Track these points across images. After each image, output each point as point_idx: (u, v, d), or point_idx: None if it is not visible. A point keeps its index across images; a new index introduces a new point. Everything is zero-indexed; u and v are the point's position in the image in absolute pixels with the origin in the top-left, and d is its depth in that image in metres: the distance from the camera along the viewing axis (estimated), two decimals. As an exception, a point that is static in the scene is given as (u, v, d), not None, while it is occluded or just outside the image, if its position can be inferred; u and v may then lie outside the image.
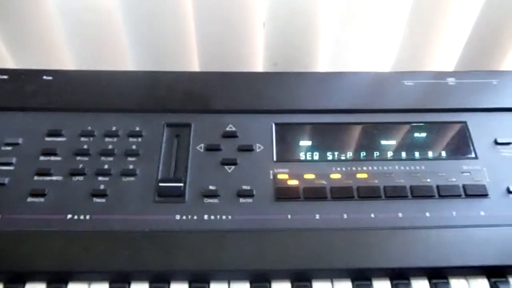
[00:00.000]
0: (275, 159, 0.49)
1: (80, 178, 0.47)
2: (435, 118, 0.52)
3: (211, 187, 0.47)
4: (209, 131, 0.51)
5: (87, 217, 0.45)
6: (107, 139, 0.49)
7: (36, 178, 0.47)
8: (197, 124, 0.51)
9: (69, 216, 0.45)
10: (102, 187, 0.46)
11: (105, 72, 0.56)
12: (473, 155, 0.50)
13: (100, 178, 0.47)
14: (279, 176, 0.48)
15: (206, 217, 0.45)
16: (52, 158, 0.48)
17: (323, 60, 0.68)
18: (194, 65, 0.68)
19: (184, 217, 0.45)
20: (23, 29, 0.64)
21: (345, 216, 0.46)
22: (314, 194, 0.47)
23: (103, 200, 0.46)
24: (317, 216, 0.46)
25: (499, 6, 0.63)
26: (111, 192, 0.46)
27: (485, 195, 0.47)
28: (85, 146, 0.49)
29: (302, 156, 0.50)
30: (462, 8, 0.63)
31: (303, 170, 0.49)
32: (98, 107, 0.52)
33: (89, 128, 0.50)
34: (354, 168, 0.49)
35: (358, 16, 0.62)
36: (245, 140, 0.50)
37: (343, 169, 0.49)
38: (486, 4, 0.62)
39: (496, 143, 0.51)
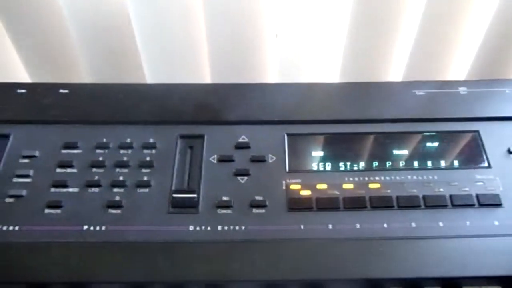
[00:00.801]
0: (287, 169, 0.49)
1: (96, 189, 0.48)
2: (447, 127, 0.52)
3: (224, 198, 0.47)
4: (222, 143, 0.51)
5: (103, 228, 0.45)
6: (121, 151, 0.50)
7: (52, 190, 0.47)
8: (210, 136, 0.51)
9: (85, 227, 0.45)
10: (117, 198, 0.47)
11: (119, 85, 0.57)
12: (486, 164, 0.50)
13: (115, 190, 0.48)
14: (292, 187, 0.48)
15: (219, 227, 0.46)
16: (68, 170, 0.49)
17: (335, 71, 0.68)
18: (207, 77, 0.69)
19: (197, 228, 0.46)
20: (41, 45, 0.66)
21: (357, 226, 0.46)
22: (326, 204, 0.47)
23: (119, 211, 0.46)
24: (330, 226, 0.46)
25: (511, 15, 0.63)
26: (126, 203, 0.47)
27: (499, 205, 0.47)
28: (101, 158, 0.50)
29: (314, 166, 0.50)
30: (473, 17, 0.63)
31: (316, 180, 0.49)
32: (112, 120, 0.52)
33: (104, 140, 0.51)
34: (366, 178, 0.49)
35: (369, 26, 0.63)
36: (257, 151, 0.50)
37: (356, 179, 0.49)
38: (497, 12, 0.62)
39: (509, 152, 0.50)
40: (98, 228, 0.45)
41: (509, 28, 0.64)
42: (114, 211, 0.46)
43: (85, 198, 0.47)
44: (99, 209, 0.46)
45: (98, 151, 0.50)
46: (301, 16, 0.62)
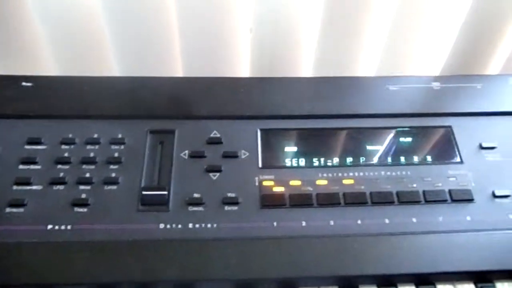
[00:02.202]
0: (260, 165, 0.49)
1: (61, 187, 0.46)
2: (420, 122, 0.52)
3: (195, 195, 0.46)
4: (193, 138, 0.50)
5: (68, 227, 0.44)
6: (88, 147, 0.48)
7: (15, 187, 0.45)
8: (181, 131, 0.50)
9: (50, 226, 0.44)
10: (83, 196, 0.45)
11: (86, 78, 0.55)
12: (458, 159, 0.50)
13: (81, 187, 0.46)
14: (265, 183, 0.47)
15: (190, 225, 0.45)
16: (32, 166, 0.47)
17: (308, 65, 0.68)
18: (178, 71, 0.68)
19: (168, 226, 0.44)
20: (3, 35, 0.63)
21: (331, 222, 0.46)
22: (300, 201, 0.47)
23: (85, 209, 0.45)
24: (304, 223, 0.45)
25: (484, 12, 0.63)
26: (93, 201, 0.45)
27: (470, 200, 0.47)
28: (66, 154, 0.48)
29: (287, 162, 0.49)
30: (448, 14, 0.63)
31: (289, 176, 0.48)
32: (79, 114, 0.51)
33: (70, 135, 0.49)
34: (340, 174, 0.48)
35: (341, 21, 0.62)
36: (230, 147, 0.49)
37: (329, 175, 0.48)
38: (471, 10, 0.63)
39: (481, 147, 0.51)
40: (63, 227, 0.44)
41: (482, 25, 0.64)
42: (80, 210, 0.45)
43: (49, 196, 0.45)
44: (64, 208, 0.45)
45: (63, 147, 0.48)
46: (274, 11, 0.61)
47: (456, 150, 0.51)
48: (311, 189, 0.47)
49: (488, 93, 0.55)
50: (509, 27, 0.65)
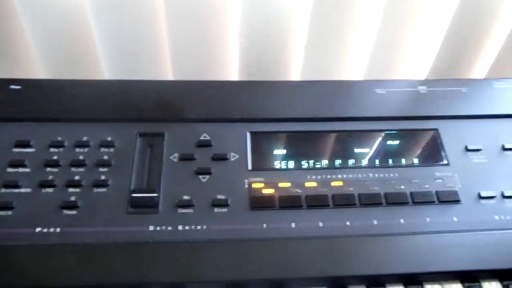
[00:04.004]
0: (250, 168, 0.49)
1: (50, 190, 0.46)
2: (407, 125, 0.53)
3: (185, 197, 0.46)
4: (183, 141, 0.50)
5: (57, 230, 0.43)
6: (77, 150, 0.48)
7: (3, 190, 0.45)
8: (170, 134, 0.50)
9: (38, 229, 0.43)
10: (72, 198, 0.45)
11: (75, 81, 0.54)
12: (445, 161, 0.51)
13: (70, 190, 0.46)
14: (254, 185, 0.48)
15: (180, 227, 0.45)
16: (20, 169, 0.46)
17: (296, 69, 0.68)
18: (168, 74, 0.68)
19: (158, 228, 0.44)
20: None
21: (320, 224, 0.46)
22: (289, 202, 0.47)
23: (74, 212, 0.45)
24: (293, 225, 0.46)
25: (469, 17, 0.64)
26: (82, 204, 0.45)
27: (457, 201, 0.48)
28: (55, 157, 0.47)
29: (277, 164, 0.50)
30: (433, 18, 0.65)
31: (278, 178, 0.48)
32: (68, 117, 0.50)
33: (59, 138, 0.49)
34: (329, 176, 0.49)
35: (329, 25, 0.63)
36: (219, 149, 0.50)
37: (318, 177, 0.49)
38: (456, 15, 0.64)
39: (467, 149, 0.51)
40: (52, 230, 0.43)
41: (467, 30, 0.66)
42: (69, 212, 0.44)
43: (38, 199, 0.45)
44: (53, 210, 0.44)
45: (52, 149, 0.48)
46: (263, 15, 0.62)
47: (442, 152, 0.51)
48: (300, 191, 0.48)
49: (474, 97, 0.56)
50: (492, 32, 0.66)
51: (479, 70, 0.71)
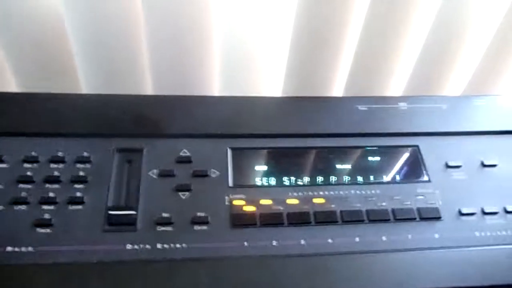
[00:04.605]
0: (230, 184, 0.48)
1: (23, 207, 0.44)
2: (388, 142, 0.53)
3: (164, 215, 0.45)
4: (162, 156, 0.49)
5: (30, 249, 0.42)
6: (52, 165, 0.47)
7: (-27, 208, 0.43)
8: (149, 149, 0.49)
9: (9, 248, 0.41)
10: (46, 216, 0.44)
11: (51, 95, 0.53)
12: (426, 178, 0.51)
13: (44, 207, 0.44)
14: (235, 202, 0.47)
15: (159, 245, 0.43)
16: (-8, 186, 0.45)
17: (278, 85, 0.68)
18: (148, 89, 0.67)
19: (135, 246, 0.43)
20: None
21: (302, 242, 0.45)
22: (271, 220, 0.46)
23: (48, 230, 0.43)
24: (274, 243, 0.45)
25: (444, 35, 0.65)
26: (57, 222, 0.43)
27: (438, 218, 0.48)
28: (29, 173, 0.46)
29: (258, 181, 0.49)
30: (410, 36, 0.65)
31: (260, 195, 0.48)
32: (43, 132, 0.49)
33: (33, 153, 0.47)
34: (310, 193, 0.48)
35: (310, 41, 0.63)
36: (199, 166, 0.49)
37: (300, 194, 0.48)
38: (432, 32, 0.65)
39: (447, 166, 0.52)
40: (24, 249, 0.42)
41: (443, 48, 0.67)
42: (43, 230, 0.43)
43: (10, 217, 0.43)
44: (26, 229, 0.43)
45: (26, 165, 0.46)
46: (244, 30, 0.61)
47: (423, 169, 0.51)
48: (281, 208, 0.47)
49: (453, 114, 0.56)
50: (466, 50, 0.68)
51: (454, 87, 0.72)
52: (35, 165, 0.47)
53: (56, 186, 0.46)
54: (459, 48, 0.68)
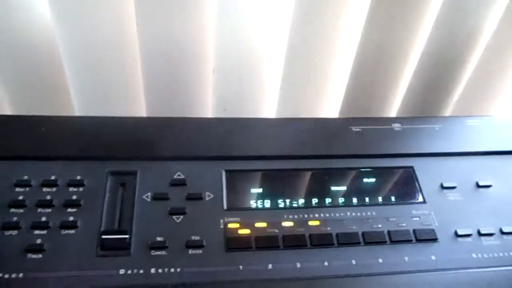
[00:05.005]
0: (225, 207, 0.48)
1: (14, 232, 0.43)
2: (383, 163, 0.53)
3: (158, 238, 0.45)
4: (156, 179, 0.48)
5: (20, 275, 0.41)
6: (45, 189, 0.46)
7: (-38, 233, 0.43)
8: (143, 172, 0.49)
9: (-1, 275, 0.41)
10: (38, 241, 0.43)
11: (43, 118, 0.53)
12: (421, 199, 0.51)
13: (36, 232, 0.43)
14: (230, 225, 0.46)
15: (153, 270, 0.43)
16: (-18, 211, 0.44)
17: (271, 106, 0.68)
18: (141, 111, 0.67)
19: (129, 271, 0.42)
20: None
21: (298, 265, 0.45)
22: (266, 243, 0.46)
23: (40, 255, 0.42)
24: (270, 266, 0.44)
25: (435, 58, 0.66)
26: (49, 247, 0.43)
27: (434, 240, 0.48)
28: (20, 197, 0.45)
29: (253, 204, 0.49)
30: (403, 59, 0.66)
31: (255, 218, 0.47)
32: (35, 155, 0.48)
33: (25, 177, 0.46)
34: (306, 216, 0.48)
35: (305, 62, 0.63)
36: (194, 188, 0.48)
37: (295, 216, 0.48)
38: (424, 55, 0.65)
39: (442, 187, 0.52)
40: (14, 275, 0.41)
41: (434, 70, 0.67)
42: (34, 256, 0.42)
43: (0, 242, 0.42)
44: (16, 254, 0.42)
45: (17, 189, 0.46)
46: (237, 51, 0.62)
47: (418, 190, 0.51)
48: (277, 231, 0.47)
49: (447, 134, 0.56)
50: (461, 70, 0.68)
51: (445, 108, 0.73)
52: (27, 189, 0.46)
53: (48, 210, 0.45)
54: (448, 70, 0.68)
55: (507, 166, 0.54)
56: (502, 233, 0.49)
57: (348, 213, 0.49)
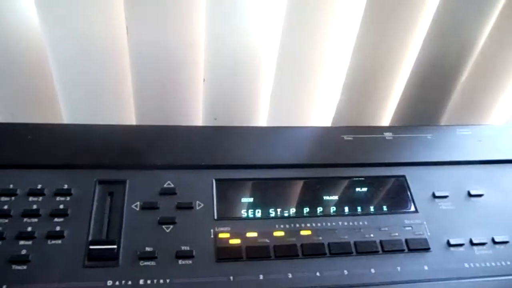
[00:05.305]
0: (216, 217, 0.47)
1: (-2, 242, 0.42)
2: (375, 172, 0.53)
3: (147, 249, 0.44)
4: (146, 188, 0.48)
5: (4, 287, 0.40)
6: (31, 198, 0.45)
7: None
8: (132, 181, 0.48)
9: (-18, 287, 0.40)
10: (23, 252, 0.42)
11: (30, 125, 0.52)
12: (413, 208, 0.50)
13: (21, 242, 0.42)
14: (220, 235, 0.46)
15: (141, 281, 0.42)
16: (-35, 221, 0.43)
17: (263, 115, 0.68)
18: (131, 119, 0.66)
19: (117, 283, 0.41)
20: None
21: (289, 275, 0.44)
22: (257, 253, 0.45)
23: (24, 267, 0.41)
24: (261, 277, 0.44)
25: (428, 67, 0.66)
26: (34, 258, 0.42)
27: (427, 249, 0.47)
28: (5, 207, 0.44)
29: (244, 213, 0.48)
30: (396, 68, 0.66)
31: (245, 228, 0.46)
32: (21, 163, 0.47)
33: (11, 186, 0.45)
34: (297, 225, 0.47)
35: (296, 71, 0.63)
36: (184, 198, 0.47)
37: (286, 226, 0.47)
38: (416, 64, 0.65)
39: (434, 196, 0.51)
40: (-2, 287, 0.40)
41: (427, 80, 0.67)
42: (18, 267, 0.41)
43: (-17, 254, 0.41)
44: (0, 266, 0.41)
45: (2, 198, 0.45)
46: (228, 60, 0.61)
47: (410, 199, 0.51)
48: (268, 241, 0.46)
49: (438, 143, 0.56)
50: (454, 80, 0.69)
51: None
52: (12, 198, 0.45)
53: (34, 220, 0.44)
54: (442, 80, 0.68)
55: (498, 175, 0.54)
56: (494, 242, 0.49)
57: (340, 223, 0.48)
